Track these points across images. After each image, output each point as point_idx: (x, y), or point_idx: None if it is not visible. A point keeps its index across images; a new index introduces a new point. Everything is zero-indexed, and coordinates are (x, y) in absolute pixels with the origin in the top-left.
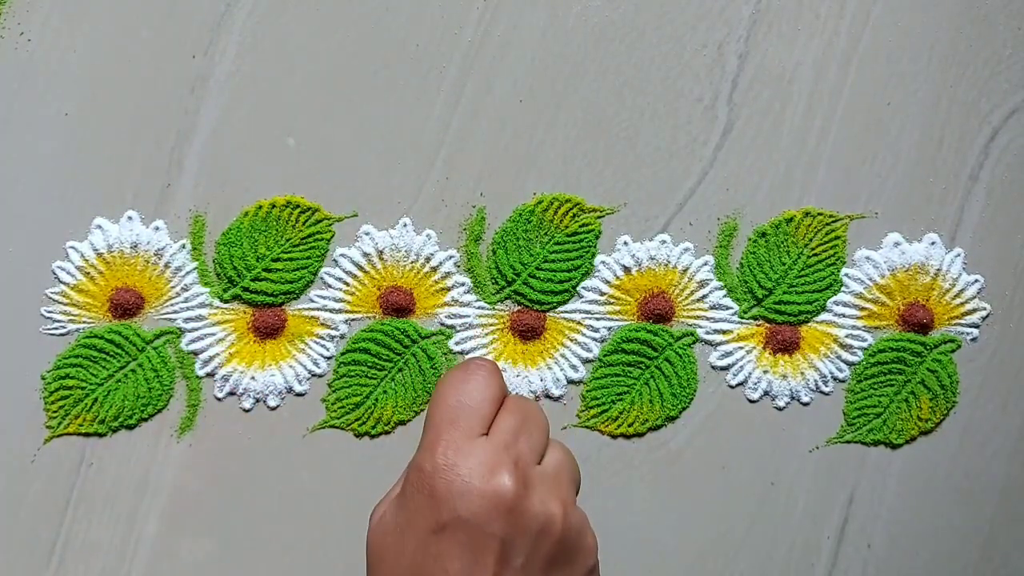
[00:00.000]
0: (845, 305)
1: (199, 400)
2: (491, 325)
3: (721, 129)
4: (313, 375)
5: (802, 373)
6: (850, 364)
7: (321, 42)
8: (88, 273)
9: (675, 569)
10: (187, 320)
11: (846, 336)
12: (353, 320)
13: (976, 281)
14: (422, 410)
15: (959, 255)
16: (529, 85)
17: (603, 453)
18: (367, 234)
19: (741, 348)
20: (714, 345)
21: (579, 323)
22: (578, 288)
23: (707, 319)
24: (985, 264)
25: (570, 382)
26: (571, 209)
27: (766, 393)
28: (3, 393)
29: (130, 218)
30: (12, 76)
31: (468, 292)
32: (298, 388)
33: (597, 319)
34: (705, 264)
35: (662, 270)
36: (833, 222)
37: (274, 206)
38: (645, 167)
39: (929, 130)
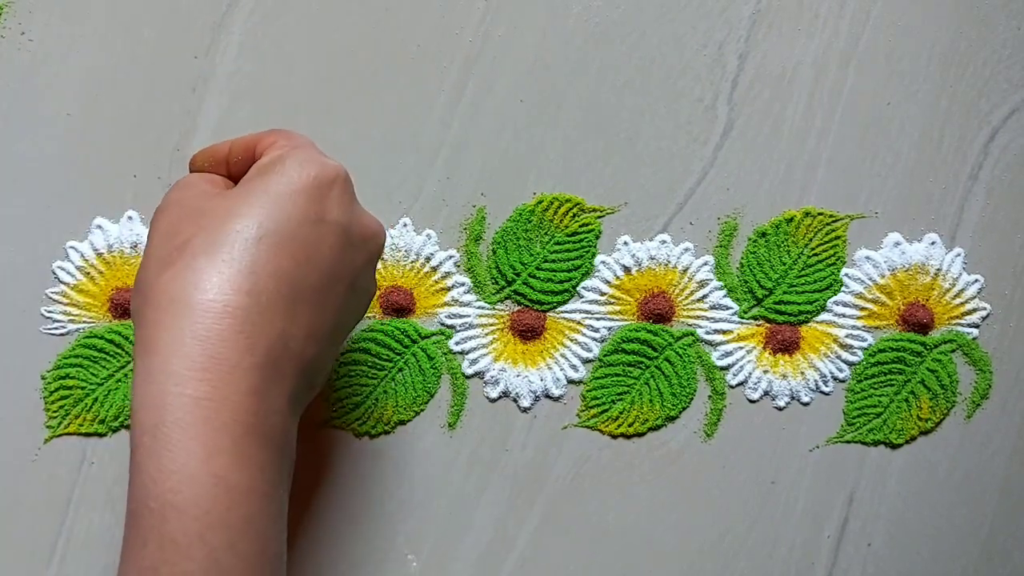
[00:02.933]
0: (845, 305)
1: None
2: (491, 325)
3: (721, 129)
4: None
5: (802, 373)
6: (850, 364)
7: (321, 42)
8: (88, 273)
9: (675, 569)
10: None
11: (846, 336)
12: None
13: (976, 281)
14: (422, 410)
15: (959, 255)
16: (529, 85)
17: (603, 453)
18: None
19: (741, 348)
20: (714, 345)
21: (579, 323)
22: (578, 288)
23: (707, 319)
24: (985, 264)
25: (570, 382)
26: (571, 209)
27: (766, 393)
28: (3, 393)
29: (130, 218)
30: (12, 76)
31: (468, 292)
32: None
33: (597, 319)
34: (705, 264)
35: (662, 270)
36: (833, 222)
37: None
38: (645, 167)
39: (929, 130)
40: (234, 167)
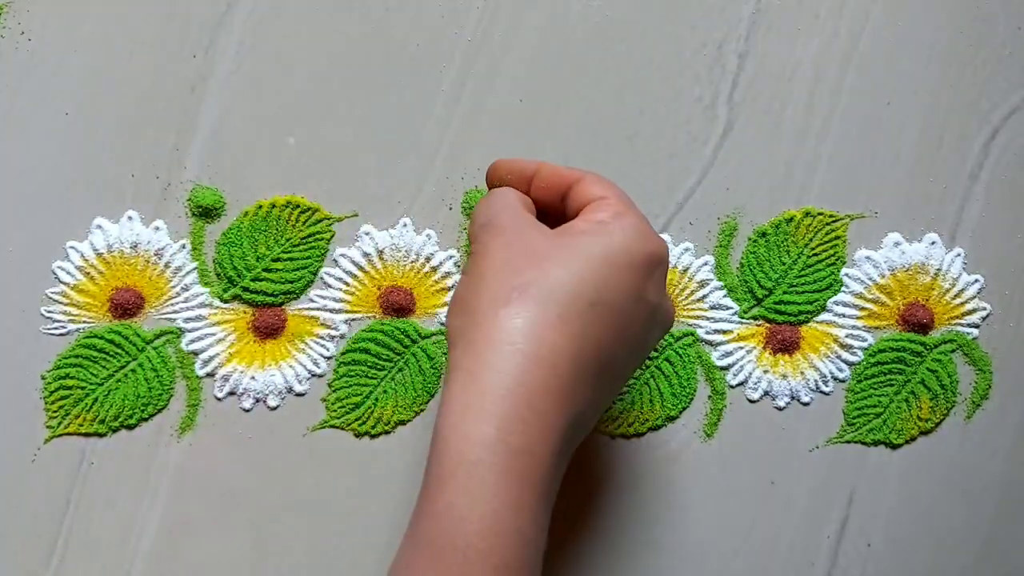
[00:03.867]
0: (845, 305)
1: (199, 400)
2: None
3: (721, 129)
4: (313, 375)
5: (802, 373)
6: (850, 364)
7: (321, 42)
8: (88, 273)
9: (675, 569)
10: (187, 320)
11: (846, 336)
12: (353, 320)
13: (976, 281)
14: (422, 410)
15: (959, 255)
16: (529, 85)
17: (603, 453)
18: (367, 234)
19: (741, 348)
20: (714, 345)
21: None
22: None
23: (707, 319)
24: (985, 264)
25: None
26: None
27: (766, 393)
28: (3, 393)
29: (130, 218)
30: (12, 76)
31: None
32: (298, 388)
33: None
34: (705, 264)
35: None
36: (833, 222)
37: (274, 206)
38: (645, 167)
39: (929, 130)
40: (538, 192)
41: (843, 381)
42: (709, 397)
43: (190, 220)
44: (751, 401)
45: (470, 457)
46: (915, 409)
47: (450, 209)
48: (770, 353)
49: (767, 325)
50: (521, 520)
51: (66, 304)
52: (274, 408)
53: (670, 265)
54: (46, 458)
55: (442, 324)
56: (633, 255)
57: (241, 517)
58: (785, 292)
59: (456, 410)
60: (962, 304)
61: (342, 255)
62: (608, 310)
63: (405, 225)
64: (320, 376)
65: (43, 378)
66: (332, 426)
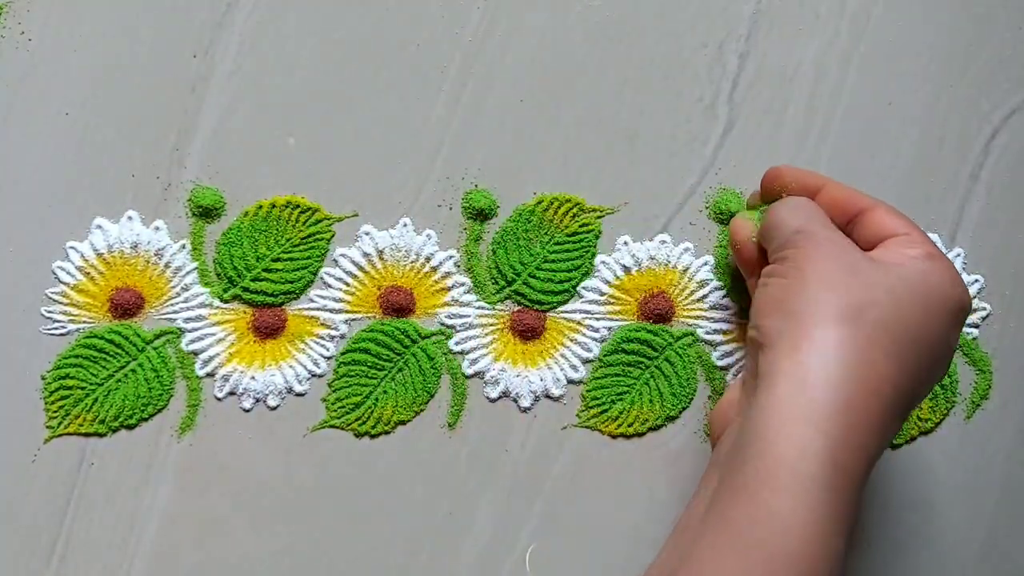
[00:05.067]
0: None
1: (199, 400)
2: (491, 325)
3: (721, 129)
4: (313, 375)
5: None
6: None
7: (321, 42)
8: (88, 273)
9: None
10: (187, 320)
11: None
12: (353, 320)
13: (976, 281)
14: (422, 410)
15: (959, 255)
16: (529, 85)
17: (603, 453)
18: (367, 234)
19: (741, 348)
20: (714, 345)
21: (579, 323)
22: (578, 288)
23: (707, 319)
24: (985, 264)
25: (570, 382)
26: (571, 209)
27: None
28: (3, 393)
29: (130, 218)
30: (12, 76)
31: (468, 292)
32: (298, 388)
33: (597, 319)
34: (705, 264)
35: (662, 270)
36: None
37: (274, 206)
38: (645, 167)
39: (929, 130)
40: (821, 207)
41: None
42: (709, 397)
43: (190, 220)
44: None
45: (796, 464)
46: (915, 409)
47: (450, 209)
48: None
49: None
50: (840, 538)
51: (66, 304)
52: (274, 408)
53: (670, 265)
54: (46, 458)
55: (442, 324)
56: (950, 301)
57: (241, 517)
58: None
59: (784, 413)
60: None
61: (342, 255)
62: (927, 350)
63: (405, 225)
64: (320, 376)
65: (43, 378)
66: (332, 426)
